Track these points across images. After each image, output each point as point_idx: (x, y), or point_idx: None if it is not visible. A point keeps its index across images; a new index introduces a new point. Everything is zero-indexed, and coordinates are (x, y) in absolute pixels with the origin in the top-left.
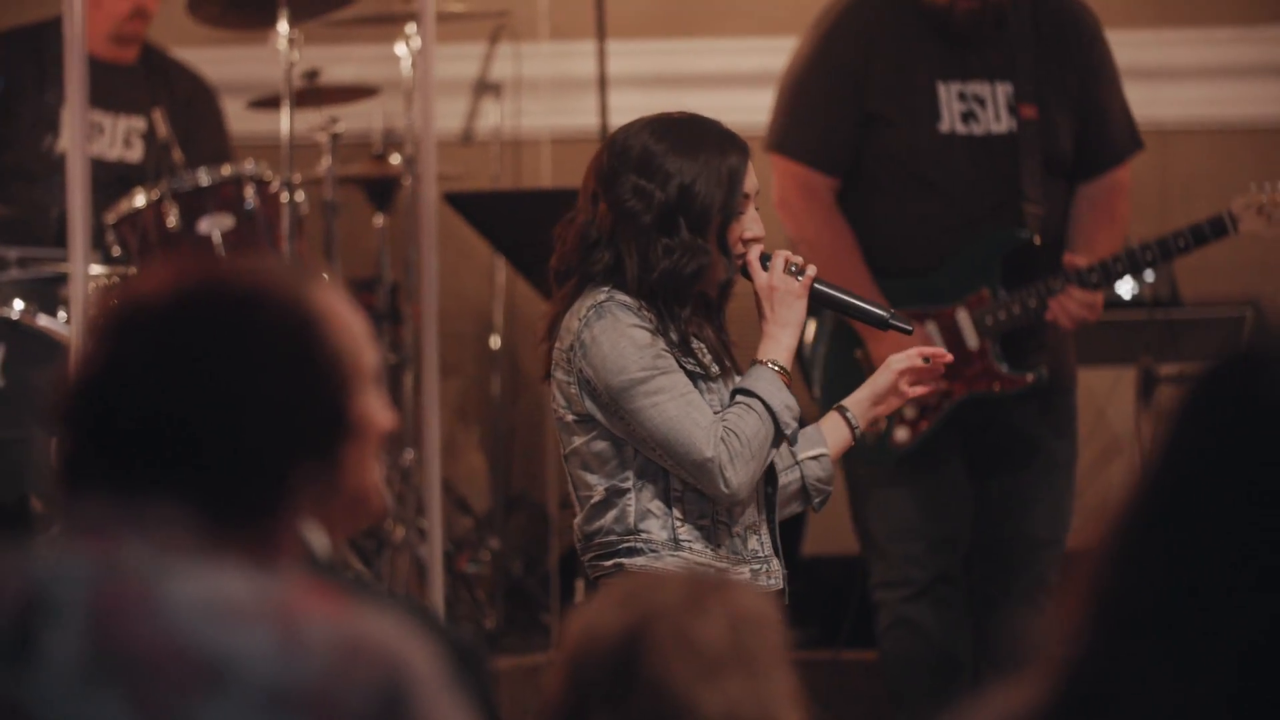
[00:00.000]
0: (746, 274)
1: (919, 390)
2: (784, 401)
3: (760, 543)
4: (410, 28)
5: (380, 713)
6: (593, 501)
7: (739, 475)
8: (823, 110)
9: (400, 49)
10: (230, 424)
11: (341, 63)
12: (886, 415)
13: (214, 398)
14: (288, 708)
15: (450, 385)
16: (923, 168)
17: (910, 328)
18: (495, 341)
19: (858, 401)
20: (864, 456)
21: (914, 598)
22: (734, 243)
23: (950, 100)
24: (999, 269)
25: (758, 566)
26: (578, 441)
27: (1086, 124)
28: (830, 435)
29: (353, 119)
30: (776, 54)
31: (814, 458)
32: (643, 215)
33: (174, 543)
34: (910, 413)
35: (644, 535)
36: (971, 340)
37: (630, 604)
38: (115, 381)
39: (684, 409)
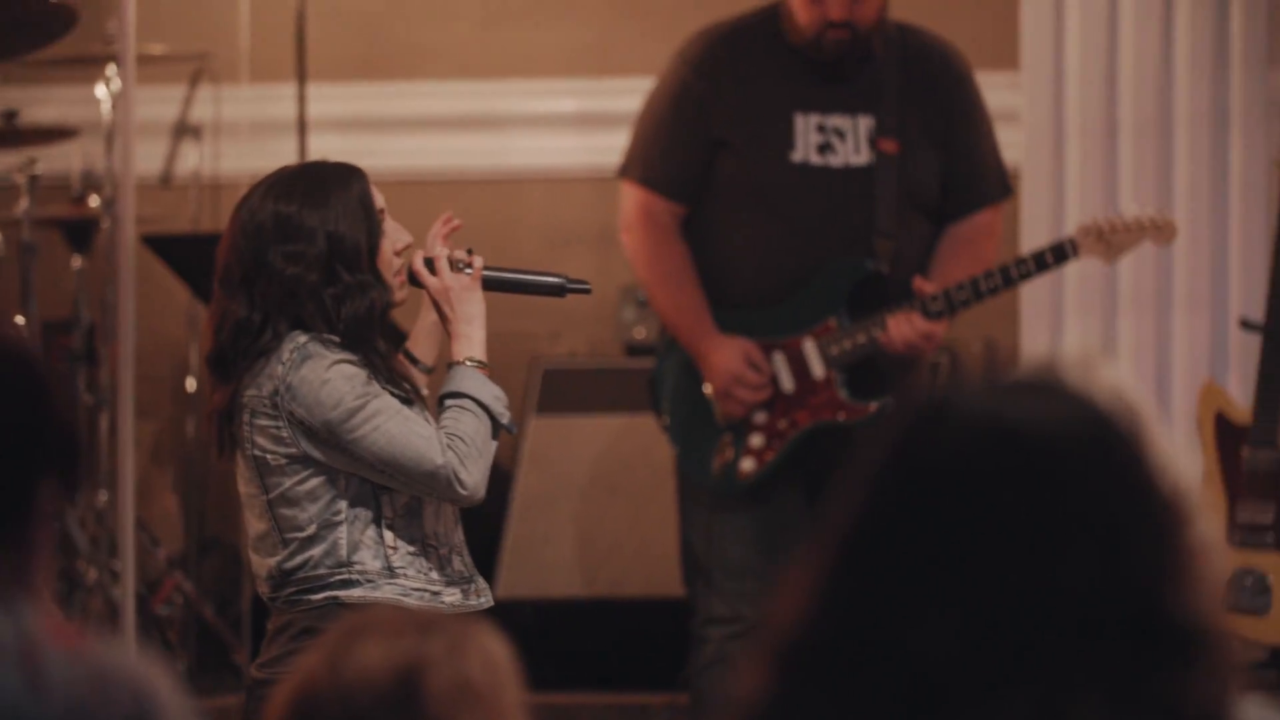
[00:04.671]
0: (417, 283)
1: None
2: (493, 393)
3: (464, 563)
4: (110, 69)
5: None
6: (301, 537)
7: (473, 475)
8: (666, 136)
9: (100, 90)
10: None
11: (41, 103)
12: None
13: None
14: None
15: (145, 427)
16: (770, 197)
17: (589, 287)
18: (191, 384)
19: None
20: (709, 486)
21: (740, 635)
22: (388, 262)
23: (807, 131)
24: (846, 299)
25: (466, 586)
26: (288, 482)
27: (953, 164)
28: None
29: (51, 160)
30: (473, 98)
31: None
32: (307, 275)
33: None
34: (757, 442)
35: (358, 566)
36: (817, 370)
37: (396, 643)
38: None
39: (404, 424)
